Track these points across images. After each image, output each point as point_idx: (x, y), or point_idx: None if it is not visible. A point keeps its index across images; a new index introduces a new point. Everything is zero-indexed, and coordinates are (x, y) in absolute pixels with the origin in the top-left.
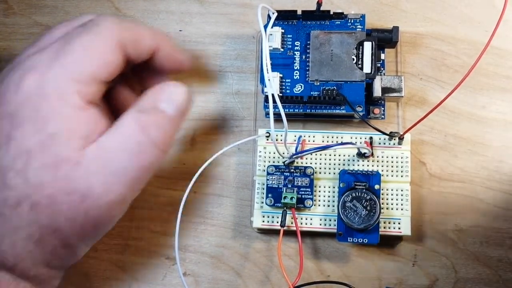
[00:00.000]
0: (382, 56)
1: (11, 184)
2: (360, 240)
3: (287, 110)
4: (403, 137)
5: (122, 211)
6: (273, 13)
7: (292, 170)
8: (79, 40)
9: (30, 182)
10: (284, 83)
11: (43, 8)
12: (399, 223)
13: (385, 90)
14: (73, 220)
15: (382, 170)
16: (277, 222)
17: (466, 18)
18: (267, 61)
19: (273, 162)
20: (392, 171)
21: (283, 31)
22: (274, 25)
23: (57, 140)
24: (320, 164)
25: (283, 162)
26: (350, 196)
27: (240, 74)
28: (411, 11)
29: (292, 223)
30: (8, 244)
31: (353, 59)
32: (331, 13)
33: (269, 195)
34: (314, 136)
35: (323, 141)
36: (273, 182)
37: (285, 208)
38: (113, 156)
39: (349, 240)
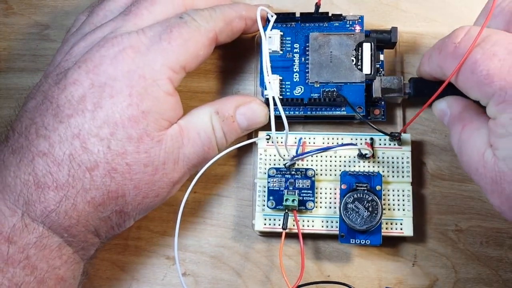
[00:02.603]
0: (381, 57)
1: (92, 149)
2: (362, 241)
3: (287, 112)
4: (400, 136)
5: (175, 191)
6: (272, 16)
7: (293, 172)
8: (179, 31)
9: (112, 150)
10: (284, 86)
11: (43, 8)
12: (401, 224)
13: (385, 90)
14: (140, 189)
15: (383, 171)
16: (279, 225)
17: (466, 18)
18: (267, 64)
19: (274, 164)
20: (393, 172)
21: (281, 33)
22: (272, 27)
23: (147, 118)
24: (321, 165)
25: (284, 164)
26: (352, 198)
27: (240, 74)
28: (411, 11)
29: (293, 225)
30: (71, 205)
31: (353, 60)
32: (330, 14)
33: (270, 197)
34: (314, 138)
35: (323, 143)
36: (274, 184)
37: (286, 211)
38: (189, 141)
39: (351, 242)
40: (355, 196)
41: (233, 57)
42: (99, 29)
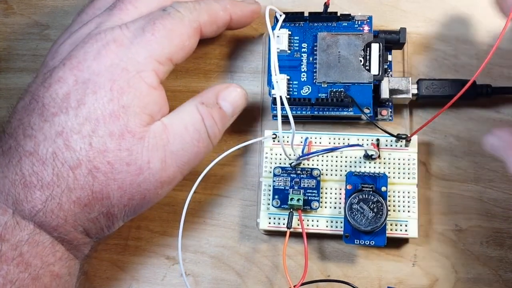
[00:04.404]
0: (389, 57)
1: (74, 147)
2: (367, 242)
3: (294, 112)
4: (410, 139)
5: (166, 192)
6: (280, 15)
7: (298, 172)
8: (163, 23)
9: (93, 148)
10: (291, 85)
11: (43, 8)
12: (406, 225)
13: (392, 91)
14: (124, 191)
15: (389, 172)
16: (283, 224)
17: (466, 18)
18: (275, 63)
19: (279, 163)
20: (399, 173)
21: (290, 33)
22: (280, 27)
23: (128, 113)
24: (327, 165)
25: (290, 164)
26: (357, 198)
27: (240, 74)
28: (411, 11)
29: (298, 224)
30: (57, 204)
31: (361, 60)
32: (338, 14)
33: (276, 196)
34: (320, 138)
35: (329, 143)
36: (280, 183)
37: (291, 210)
38: (175, 138)
39: (356, 242)
40: (361, 196)
41: (232, 57)
42: (85, 25)
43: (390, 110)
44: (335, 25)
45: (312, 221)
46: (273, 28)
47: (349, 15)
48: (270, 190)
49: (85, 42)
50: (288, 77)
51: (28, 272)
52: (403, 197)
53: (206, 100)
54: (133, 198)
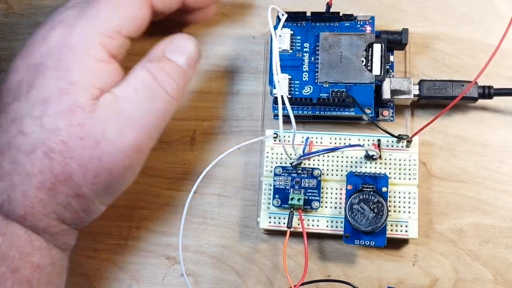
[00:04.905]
0: (391, 58)
1: (27, 131)
2: (367, 242)
3: (296, 111)
4: (411, 140)
5: (137, 161)
6: (282, 15)
7: (299, 172)
8: None
9: (45, 128)
10: (293, 85)
11: (43, 8)
12: (406, 226)
13: (394, 92)
14: (86, 167)
15: (390, 173)
16: (284, 223)
17: (466, 18)
18: (276, 63)
19: (280, 163)
20: (400, 174)
21: (292, 32)
22: (283, 26)
23: (75, 89)
24: (328, 165)
25: (291, 163)
26: (358, 199)
27: (239, 74)
28: (411, 11)
29: (298, 224)
30: (20, 192)
31: (362, 61)
32: (341, 14)
33: (276, 196)
34: (321, 138)
35: (330, 143)
36: (280, 183)
37: (292, 210)
38: (127, 103)
39: (356, 243)
40: (361, 197)
41: (233, 57)
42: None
43: (392, 110)
44: (337, 25)
45: (313, 221)
46: (275, 27)
47: (351, 15)
48: (270, 190)
49: (35, 30)
50: (290, 77)
51: (6, 265)
52: (404, 197)
53: (153, 57)
54: (98, 175)
